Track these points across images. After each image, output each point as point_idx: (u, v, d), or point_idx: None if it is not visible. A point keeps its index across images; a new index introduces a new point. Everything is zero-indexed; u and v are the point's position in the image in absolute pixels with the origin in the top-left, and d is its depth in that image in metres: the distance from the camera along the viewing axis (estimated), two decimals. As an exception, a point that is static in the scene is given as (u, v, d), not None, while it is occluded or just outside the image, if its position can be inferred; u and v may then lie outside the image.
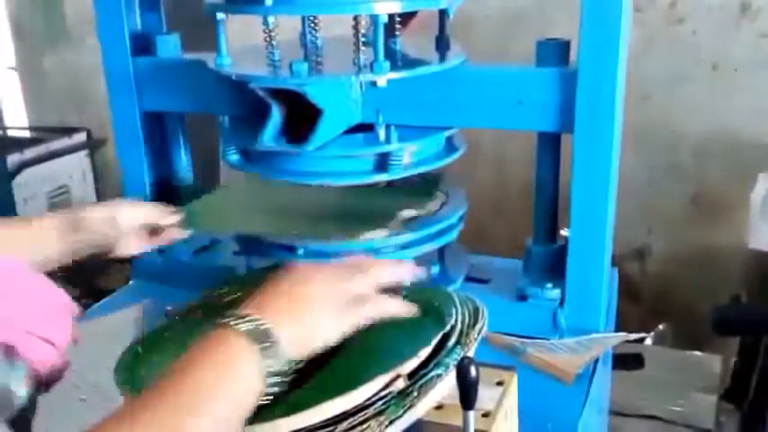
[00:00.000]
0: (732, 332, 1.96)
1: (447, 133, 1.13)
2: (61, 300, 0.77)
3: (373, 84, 1.01)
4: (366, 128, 1.09)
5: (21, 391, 0.66)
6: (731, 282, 2.09)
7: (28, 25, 3.19)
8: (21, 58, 3.27)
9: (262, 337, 0.65)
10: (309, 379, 0.80)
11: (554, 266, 1.13)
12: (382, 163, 1.07)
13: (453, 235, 1.16)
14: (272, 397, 0.67)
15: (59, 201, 2.70)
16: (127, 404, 0.61)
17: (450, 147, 1.16)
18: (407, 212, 1.13)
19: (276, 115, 1.01)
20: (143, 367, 0.92)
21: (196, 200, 1.20)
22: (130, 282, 1.35)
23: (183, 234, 1.12)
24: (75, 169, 2.76)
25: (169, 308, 1.04)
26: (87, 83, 2.83)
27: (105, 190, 2.82)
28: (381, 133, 1.08)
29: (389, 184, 1.15)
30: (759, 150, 2.02)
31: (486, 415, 0.77)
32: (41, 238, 1.00)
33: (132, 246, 1.09)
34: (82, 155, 2.80)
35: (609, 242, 1.08)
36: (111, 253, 1.07)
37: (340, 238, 1.08)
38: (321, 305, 0.71)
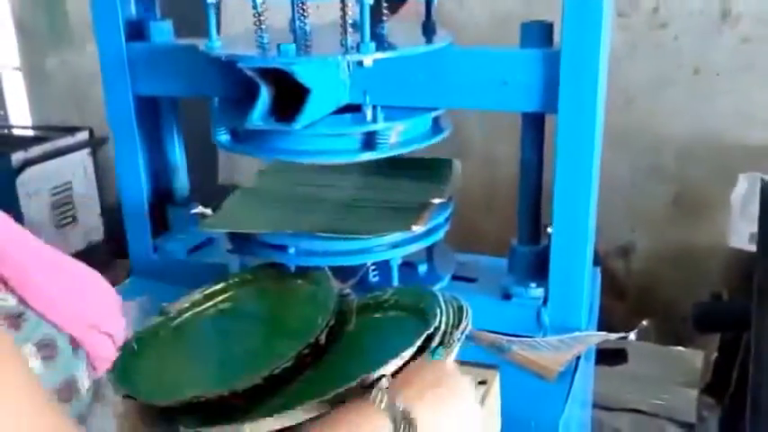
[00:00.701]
0: (713, 329, 2.00)
1: (433, 114, 1.15)
2: (114, 295, 0.77)
3: (360, 64, 1.02)
4: (354, 109, 1.11)
5: (85, 382, 0.67)
6: (712, 279, 2.14)
7: (31, 26, 3.23)
8: (25, 59, 3.31)
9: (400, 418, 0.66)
10: (294, 380, 0.83)
11: (538, 266, 1.16)
12: (369, 142, 1.09)
13: (440, 234, 1.19)
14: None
15: (62, 197, 2.74)
16: None
17: (436, 127, 1.17)
18: (435, 200, 1.17)
19: (265, 95, 1.02)
20: (138, 365, 0.95)
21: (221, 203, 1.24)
22: (128, 278, 1.37)
23: None
24: (77, 167, 2.82)
25: (165, 305, 1.06)
26: (89, 83, 2.86)
27: (106, 187, 2.87)
28: (368, 113, 1.09)
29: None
30: (739, 152, 2.06)
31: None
32: None
33: None
34: (84, 153, 2.85)
35: (590, 244, 1.11)
36: None
37: (377, 234, 1.11)
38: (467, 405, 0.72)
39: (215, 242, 1.40)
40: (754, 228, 1.91)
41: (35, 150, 2.64)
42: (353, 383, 0.71)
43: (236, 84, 1.12)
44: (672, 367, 1.97)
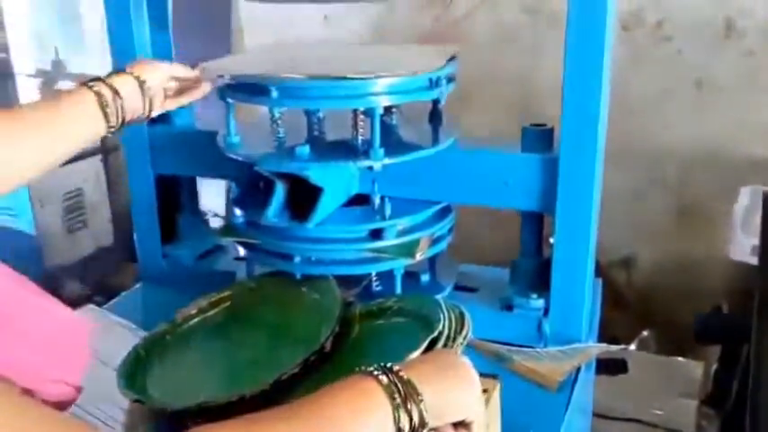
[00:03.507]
0: (713, 340, 2.01)
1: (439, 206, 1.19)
2: (70, 321, 0.75)
3: (370, 168, 1.07)
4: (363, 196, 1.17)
5: None
6: (713, 291, 2.14)
7: (46, 35, 3.27)
8: (39, 67, 3.36)
9: (401, 390, 0.64)
10: (300, 386, 0.85)
11: (539, 277, 1.17)
12: (377, 231, 1.12)
13: (443, 246, 1.21)
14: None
15: (74, 203, 2.79)
16: (260, 415, 0.61)
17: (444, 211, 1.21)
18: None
19: (280, 193, 1.07)
20: (145, 371, 0.96)
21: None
22: (138, 284, 1.39)
23: (207, 91, 1.12)
24: (89, 173, 2.85)
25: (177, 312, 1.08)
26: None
27: (117, 192, 2.91)
28: (376, 202, 1.15)
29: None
30: (741, 165, 2.06)
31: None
32: (80, 117, 0.94)
33: (162, 105, 1.08)
34: (96, 159, 2.88)
35: (592, 256, 1.12)
36: (145, 117, 1.05)
37: None
38: (463, 384, 0.71)
39: (223, 250, 1.42)
40: (756, 240, 1.91)
41: (48, 157, 2.69)
42: None
43: (252, 170, 1.15)
44: (672, 378, 1.97)
